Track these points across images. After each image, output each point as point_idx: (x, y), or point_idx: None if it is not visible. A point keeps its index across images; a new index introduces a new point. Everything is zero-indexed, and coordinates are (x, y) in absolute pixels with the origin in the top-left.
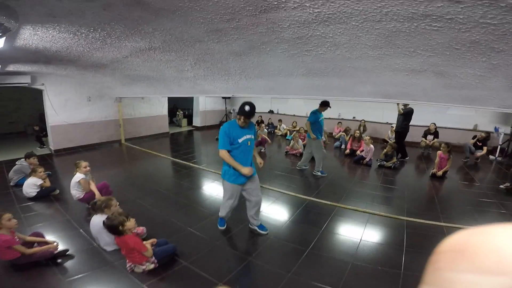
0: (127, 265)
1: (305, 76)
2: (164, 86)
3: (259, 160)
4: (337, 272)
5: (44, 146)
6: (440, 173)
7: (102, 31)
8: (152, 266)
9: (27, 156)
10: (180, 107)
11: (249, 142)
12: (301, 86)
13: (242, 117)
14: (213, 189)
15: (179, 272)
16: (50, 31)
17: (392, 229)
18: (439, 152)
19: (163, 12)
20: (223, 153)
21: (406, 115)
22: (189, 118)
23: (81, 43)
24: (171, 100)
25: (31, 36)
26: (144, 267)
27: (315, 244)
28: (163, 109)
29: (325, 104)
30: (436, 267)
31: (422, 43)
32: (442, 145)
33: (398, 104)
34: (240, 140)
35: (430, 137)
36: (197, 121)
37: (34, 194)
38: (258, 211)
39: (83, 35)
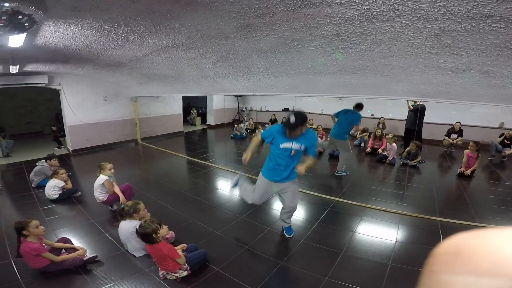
0: (160, 273)
1: (335, 74)
2: (182, 85)
3: (300, 168)
4: (377, 274)
5: (62, 146)
6: (468, 172)
7: (126, 27)
8: (185, 273)
9: (48, 158)
10: (193, 106)
11: (293, 151)
12: (330, 84)
13: (287, 130)
14: (234, 190)
15: (212, 278)
16: (72, 28)
17: (426, 230)
18: (466, 151)
19: (195, 6)
20: (257, 136)
21: (416, 111)
22: (203, 116)
23: (102, 41)
24: (185, 99)
25: (52, 33)
26: (177, 274)
27: (349, 247)
28: (178, 108)
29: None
30: (432, 270)
31: (474, 43)
32: (471, 144)
33: (407, 100)
34: (281, 146)
35: (454, 135)
36: (210, 120)
37: (57, 196)
38: (290, 216)
39: (106, 31)
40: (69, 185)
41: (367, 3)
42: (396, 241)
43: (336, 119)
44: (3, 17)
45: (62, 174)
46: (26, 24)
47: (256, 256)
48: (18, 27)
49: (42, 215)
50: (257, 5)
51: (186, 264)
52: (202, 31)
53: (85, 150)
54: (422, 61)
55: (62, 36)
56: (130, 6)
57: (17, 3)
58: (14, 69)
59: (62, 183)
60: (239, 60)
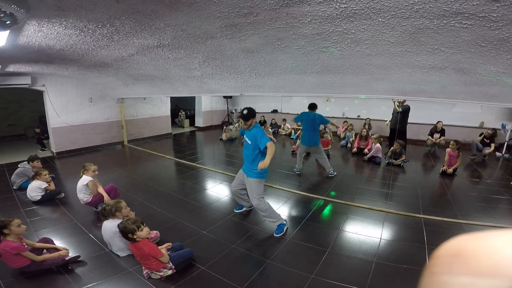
0: (144, 272)
1: (319, 74)
2: (169, 86)
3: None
4: (362, 271)
5: (46, 149)
6: (450, 170)
7: (111, 26)
8: (170, 272)
9: (30, 159)
10: (182, 108)
11: (249, 142)
12: (314, 84)
13: (241, 120)
14: (222, 190)
15: (198, 277)
16: (56, 27)
17: (410, 228)
18: (448, 149)
19: (179, 6)
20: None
21: (404, 112)
22: (191, 118)
23: (87, 41)
24: (173, 101)
25: (35, 33)
26: (161, 273)
27: (335, 244)
28: (166, 110)
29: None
30: (433, 271)
31: (447, 40)
32: (451, 142)
33: (394, 101)
34: (243, 138)
35: (436, 135)
36: (199, 122)
37: (39, 197)
38: (264, 216)
39: (90, 31)
40: (52, 187)
41: (344, 1)
42: (381, 239)
43: (298, 124)
44: None
45: (45, 175)
46: (7, 22)
47: (242, 255)
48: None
49: (24, 217)
50: (241, 4)
51: (171, 263)
52: (187, 31)
53: (69, 153)
54: (401, 59)
55: (46, 35)
56: (114, 6)
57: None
58: None
59: (44, 184)
60: (225, 60)
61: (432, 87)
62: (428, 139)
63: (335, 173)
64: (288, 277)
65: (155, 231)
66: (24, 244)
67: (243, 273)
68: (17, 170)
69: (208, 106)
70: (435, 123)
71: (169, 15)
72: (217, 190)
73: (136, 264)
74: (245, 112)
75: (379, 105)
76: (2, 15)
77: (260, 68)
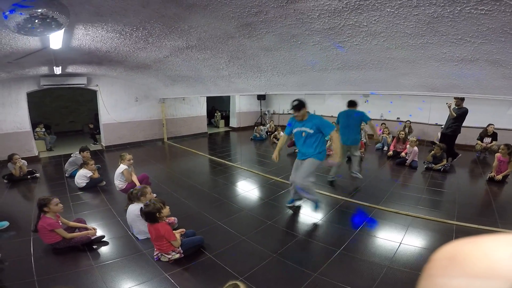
0: (154, 254)
1: (340, 70)
2: (202, 86)
3: (333, 159)
4: (370, 275)
5: (97, 143)
6: (499, 177)
7: (144, 30)
8: (177, 256)
9: (81, 150)
10: (218, 109)
11: (303, 133)
12: (337, 80)
13: (293, 111)
14: (245, 186)
15: (203, 263)
16: (99, 31)
17: (438, 234)
18: (497, 154)
19: (196, 8)
20: (282, 136)
21: (459, 116)
22: (226, 119)
23: (127, 43)
24: (209, 102)
25: (84, 36)
26: (170, 256)
27: (348, 245)
28: (202, 110)
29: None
30: (429, 274)
31: (469, 29)
32: (501, 146)
33: (449, 106)
34: (294, 130)
35: (487, 139)
36: (233, 122)
37: (84, 184)
38: (301, 190)
39: (128, 34)
40: (96, 175)
41: None
42: (400, 243)
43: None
44: (36, 20)
45: (91, 164)
46: (52, 26)
47: (251, 247)
48: (47, 28)
49: (68, 201)
50: (250, 4)
51: (180, 248)
52: (209, 32)
53: (116, 147)
54: (424, 52)
55: (93, 38)
56: (142, 11)
57: (45, 9)
58: (57, 70)
59: (90, 173)
60: (248, 59)
61: (466, 82)
62: (477, 143)
63: (360, 175)
64: (290, 272)
65: (173, 217)
66: (59, 221)
67: (246, 264)
68: (70, 160)
69: (242, 107)
70: (486, 126)
71: (189, 17)
72: (241, 186)
73: (151, 247)
74: (295, 103)
75: (422, 108)
76: (48, 20)
77: (281, 66)
